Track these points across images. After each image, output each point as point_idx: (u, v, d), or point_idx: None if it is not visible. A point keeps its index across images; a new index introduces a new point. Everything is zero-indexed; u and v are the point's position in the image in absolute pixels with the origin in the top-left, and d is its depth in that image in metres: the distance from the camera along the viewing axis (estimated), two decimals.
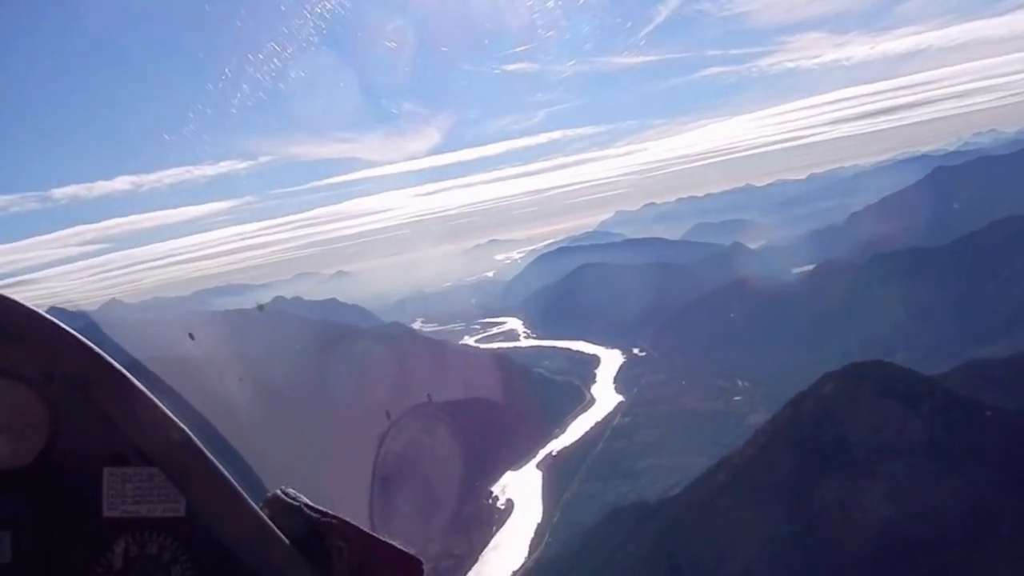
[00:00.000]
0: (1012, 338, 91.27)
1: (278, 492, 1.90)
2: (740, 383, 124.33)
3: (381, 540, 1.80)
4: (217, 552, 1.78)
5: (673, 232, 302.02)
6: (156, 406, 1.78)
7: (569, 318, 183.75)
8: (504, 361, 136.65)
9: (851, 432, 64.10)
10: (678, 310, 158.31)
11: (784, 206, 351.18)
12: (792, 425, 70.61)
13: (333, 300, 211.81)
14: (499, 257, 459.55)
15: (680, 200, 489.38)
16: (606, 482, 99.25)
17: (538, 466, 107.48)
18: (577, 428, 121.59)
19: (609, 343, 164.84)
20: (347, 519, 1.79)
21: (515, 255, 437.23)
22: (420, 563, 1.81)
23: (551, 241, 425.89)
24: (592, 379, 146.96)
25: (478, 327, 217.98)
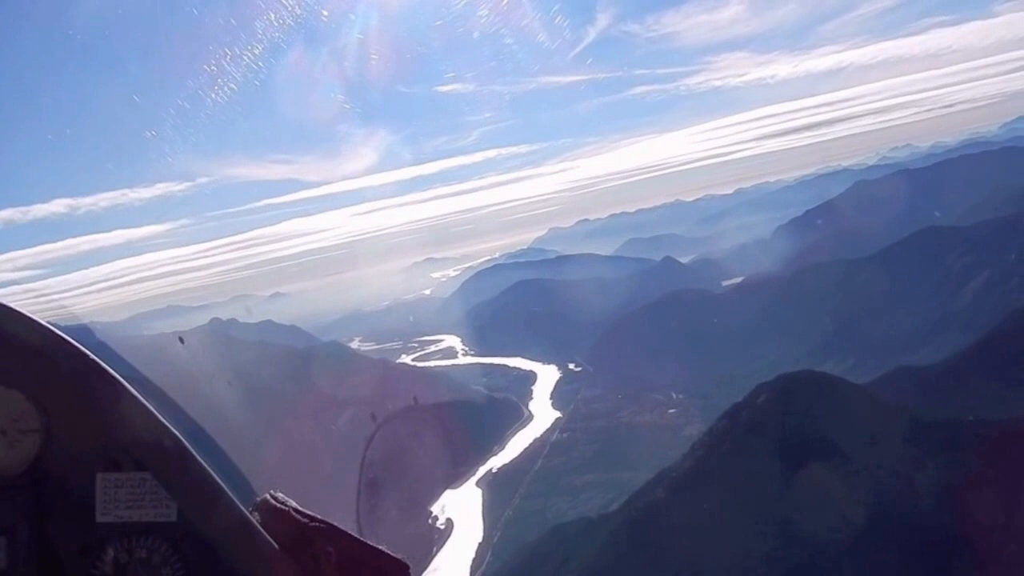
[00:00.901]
0: (936, 345, 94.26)
1: (267, 496, 1.92)
2: (675, 396, 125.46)
3: (369, 545, 1.80)
4: (207, 556, 1.78)
5: (606, 248, 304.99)
6: (149, 411, 1.78)
7: (506, 335, 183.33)
8: (442, 379, 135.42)
9: (785, 442, 64.97)
10: (612, 325, 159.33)
11: (713, 220, 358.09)
12: (728, 436, 71.31)
13: (269, 322, 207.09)
14: (436, 275, 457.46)
15: (612, 216, 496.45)
16: (546, 499, 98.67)
17: (478, 484, 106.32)
18: (516, 445, 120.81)
19: (545, 359, 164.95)
20: (336, 524, 1.80)
21: (451, 272, 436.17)
22: (407, 567, 1.82)
23: (487, 258, 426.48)
24: (529, 395, 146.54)
25: (416, 345, 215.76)
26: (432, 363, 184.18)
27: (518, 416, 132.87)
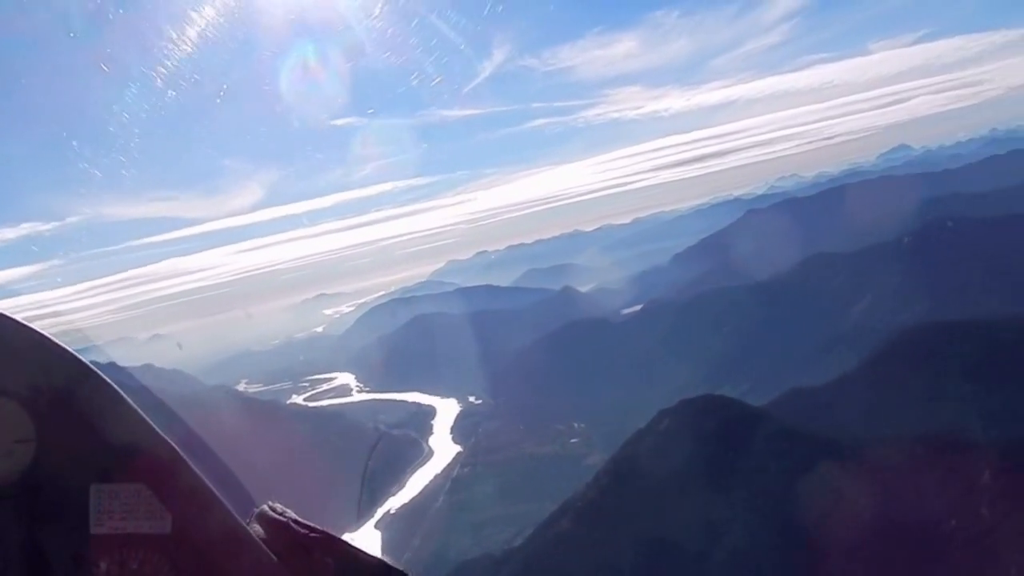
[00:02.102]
0: (826, 365, 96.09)
1: (265, 507, 1.90)
2: (576, 425, 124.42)
3: (367, 555, 1.78)
4: (202, 568, 1.76)
5: (505, 279, 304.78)
6: (144, 421, 1.77)
7: (404, 370, 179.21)
8: (335, 418, 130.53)
9: (689, 466, 64.32)
10: (513, 356, 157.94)
11: (611, 249, 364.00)
12: (631, 464, 70.21)
13: (149, 365, 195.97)
14: (329, 311, 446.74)
15: (511, 247, 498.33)
16: (448, 537, 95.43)
17: (376, 525, 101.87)
18: (416, 483, 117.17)
19: (445, 393, 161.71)
20: (334, 534, 1.79)
21: (345, 309, 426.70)
22: None
23: (383, 293, 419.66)
24: (429, 431, 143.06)
25: (307, 384, 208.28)
26: (325, 402, 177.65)
27: (418, 453, 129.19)
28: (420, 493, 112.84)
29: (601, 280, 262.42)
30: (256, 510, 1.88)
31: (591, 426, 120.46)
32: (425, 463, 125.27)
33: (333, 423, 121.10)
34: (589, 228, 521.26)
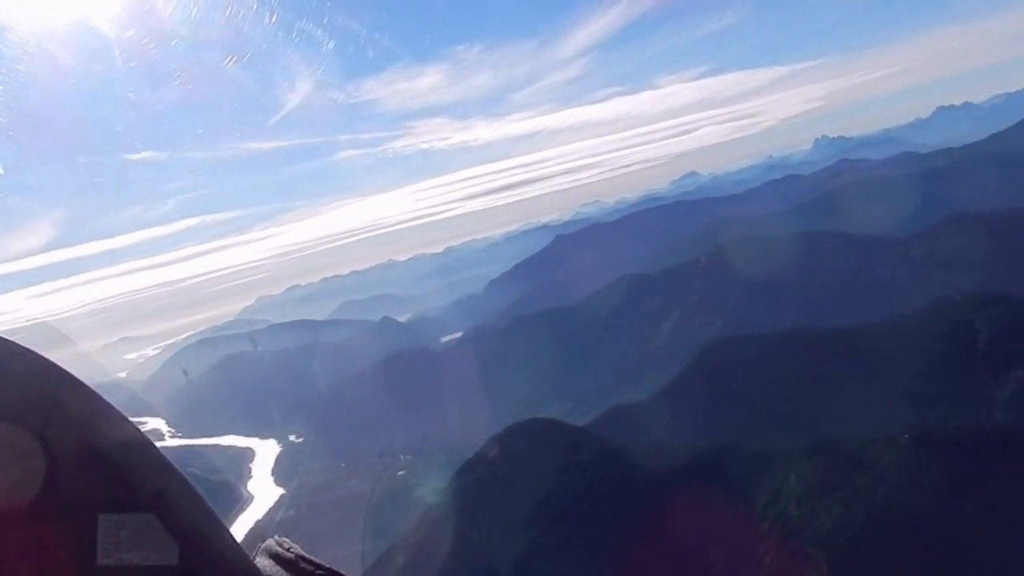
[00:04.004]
0: (641, 382, 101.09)
1: (272, 542, 1.89)
2: (403, 457, 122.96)
3: None
4: None
5: (320, 312, 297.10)
6: (155, 451, 1.77)
7: (218, 412, 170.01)
8: None
9: (521, 491, 65.18)
10: (333, 391, 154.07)
11: (426, 278, 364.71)
12: (464, 492, 70.31)
13: None
14: (132, 355, 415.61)
15: (324, 280, 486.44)
16: None
17: None
18: (237, 531, 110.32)
19: (264, 433, 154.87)
20: (340, 571, 1.78)
21: (151, 351, 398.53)
22: None
23: (191, 333, 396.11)
24: (248, 474, 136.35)
25: None
26: None
27: (236, 498, 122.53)
28: (242, 542, 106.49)
29: (419, 309, 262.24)
30: (262, 544, 1.87)
31: (418, 457, 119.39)
32: (245, 509, 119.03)
33: None
34: (403, 258, 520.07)
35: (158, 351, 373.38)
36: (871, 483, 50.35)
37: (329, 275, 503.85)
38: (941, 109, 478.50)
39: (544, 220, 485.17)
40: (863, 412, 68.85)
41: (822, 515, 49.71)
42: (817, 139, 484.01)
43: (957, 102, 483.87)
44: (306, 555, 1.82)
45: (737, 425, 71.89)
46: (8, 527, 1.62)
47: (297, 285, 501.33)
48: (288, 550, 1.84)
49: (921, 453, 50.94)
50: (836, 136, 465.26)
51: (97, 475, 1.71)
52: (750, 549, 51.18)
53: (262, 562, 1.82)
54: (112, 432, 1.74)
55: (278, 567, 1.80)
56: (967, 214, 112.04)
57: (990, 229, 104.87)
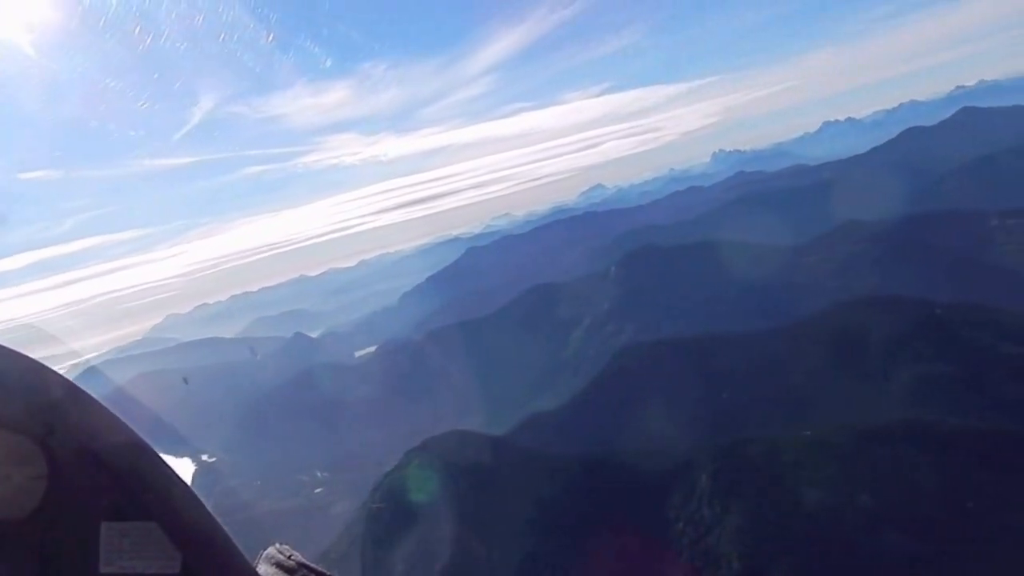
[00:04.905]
0: (557, 391, 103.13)
1: (273, 549, 1.90)
2: (320, 474, 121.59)
3: None
4: None
5: (230, 330, 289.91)
6: (157, 459, 1.78)
7: None
8: None
9: (441, 503, 65.76)
10: (246, 408, 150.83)
11: (339, 293, 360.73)
12: (384, 507, 70.38)
13: None
14: None
15: (234, 297, 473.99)
16: None
17: None
18: None
19: (176, 453, 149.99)
20: None
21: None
22: None
23: (96, 354, 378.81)
24: None
25: None
26: None
27: None
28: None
29: (332, 324, 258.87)
30: (264, 551, 1.88)
31: (335, 474, 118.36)
32: None
33: None
34: (314, 273, 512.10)
35: (63, 371, 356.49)
36: (778, 480, 53.02)
37: (239, 292, 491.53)
38: (827, 124, 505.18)
39: (456, 233, 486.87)
40: (768, 412, 72.28)
41: (733, 513, 52.03)
42: (715, 153, 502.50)
43: (841, 117, 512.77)
44: (308, 563, 1.82)
45: (650, 428, 74.36)
46: (11, 535, 1.62)
47: (206, 303, 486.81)
48: (290, 558, 1.84)
49: (823, 450, 54.05)
50: (732, 150, 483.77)
51: (99, 483, 1.70)
52: (663, 552, 53.16)
53: (265, 570, 1.82)
54: (114, 440, 1.75)
55: (281, 575, 1.80)
56: (855, 222, 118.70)
57: (877, 235, 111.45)
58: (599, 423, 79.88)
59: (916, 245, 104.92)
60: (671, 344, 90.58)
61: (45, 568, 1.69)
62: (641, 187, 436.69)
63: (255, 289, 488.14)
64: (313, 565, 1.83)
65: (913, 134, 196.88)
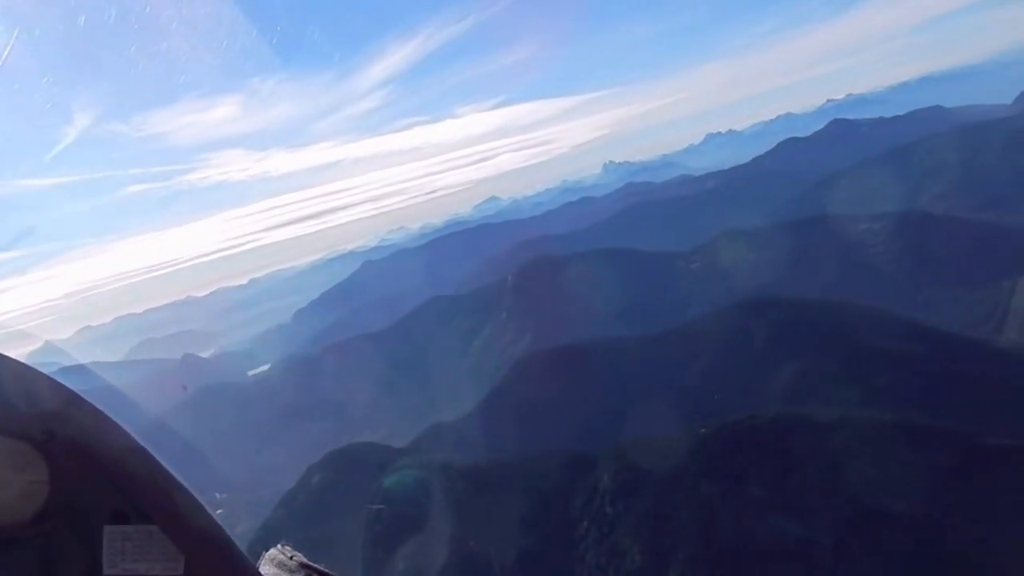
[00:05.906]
0: (458, 400, 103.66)
1: (275, 549, 1.91)
2: (219, 495, 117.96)
3: None
4: None
5: (116, 353, 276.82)
6: (157, 463, 1.78)
7: None
8: None
9: (346, 518, 65.42)
10: (135, 433, 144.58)
11: (230, 312, 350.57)
12: (287, 525, 69.44)
13: None
14: None
15: (118, 319, 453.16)
16: None
17: None
18: None
19: None
20: None
21: None
22: None
23: None
24: None
25: None
26: None
27: None
28: None
29: (223, 344, 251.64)
30: (266, 552, 1.90)
31: (234, 494, 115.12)
32: None
33: None
34: (203, 293, 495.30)
35: None
36: (676, 476, 55.19)
37: (123, 314, 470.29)
38: (710, 136, 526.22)
39: (351, 247, 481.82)
40: (662, 411, 74.96)
41: (634, 510, 53.87)
42: (606, 164, 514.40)
43: (724, 129, 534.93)
44: (310, 563, 1.84)
45: (551, 432, 75.91)
46: (13, 541, 1.63)
47: (88, 326, 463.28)
48: (291, 558, 1.86)
49: (715, 445, 56.58)
50: (622, 161, 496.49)
51: (100, 487, 1.71)
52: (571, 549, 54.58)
53: (267, 571, 1.83)
54: (114, 444, 1.75)
55: (284, 573, 1.82)
56: (737, 229, 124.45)
57: (758, 241, 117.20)
58: (501, 431, 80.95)
59: (794, 249, 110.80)
60: (569, 351, 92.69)
61: (48, 573, 1.68)
62: (535, 199, 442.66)
63: (140, 311, 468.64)
64: (315, 565, 1.84)
65: (789, 145, 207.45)
